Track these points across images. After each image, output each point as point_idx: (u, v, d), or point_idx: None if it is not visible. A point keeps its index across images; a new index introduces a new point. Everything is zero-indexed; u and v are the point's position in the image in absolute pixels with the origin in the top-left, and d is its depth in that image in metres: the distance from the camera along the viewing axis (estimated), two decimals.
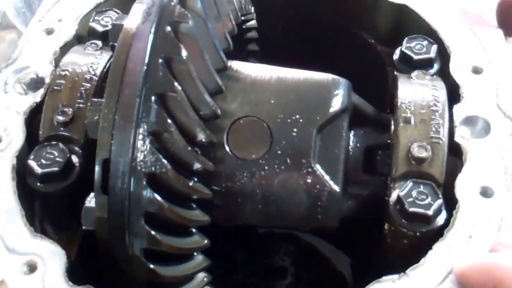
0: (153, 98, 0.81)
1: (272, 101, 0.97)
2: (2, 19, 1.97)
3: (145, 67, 0.81)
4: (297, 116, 0.95)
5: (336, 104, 0.97)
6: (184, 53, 0.84)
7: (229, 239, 1.16)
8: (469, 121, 0.97)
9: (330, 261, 1.29)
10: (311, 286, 1.24)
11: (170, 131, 0.82)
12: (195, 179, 0.88)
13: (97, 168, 0.82)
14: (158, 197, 0.82)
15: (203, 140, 0.88)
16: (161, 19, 0.85)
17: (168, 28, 0.85)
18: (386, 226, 0.93)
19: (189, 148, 0.85)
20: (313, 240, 1.30)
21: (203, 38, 0.89)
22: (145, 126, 0.80)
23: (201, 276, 0.93)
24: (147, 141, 0.80)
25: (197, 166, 0.87)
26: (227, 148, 0.94)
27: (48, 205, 0.99)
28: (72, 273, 0.87)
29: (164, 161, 0.81)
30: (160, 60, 0.82)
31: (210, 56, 0.91)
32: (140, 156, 0.80)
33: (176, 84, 0.82)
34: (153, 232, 0.82)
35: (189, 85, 0.85)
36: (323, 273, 1.27)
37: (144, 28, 0.85)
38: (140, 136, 0.80)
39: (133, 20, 0.88)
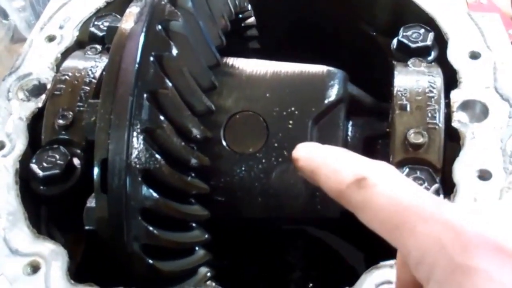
0: (145, 95, 0.81)
1: (268, 95, 0.97)
2: (14, 32, 2.01)
3: (137, 66, 0.82)
4: (293, 109, 0.95)
5: (331, 95, 0.97)
6: (174, 51, 0.84)
7: (236, 237, 1.16)
8: (467, 105, 0.97)
9: (340, 255, 1.28)
10: (320, 281, 1.23)
11: (162, 127, 0.82)
12: (193, 175, 0.89)
13: (96, 168, 0.82)
14: (153, 193, 0.82)
15: (198, 136, 0.88)
16: (152, 19, 0.86)
17: (159, 27, 0.86)
18: None
19: (183, 144, 0.85)
20: (322, 234, 1.29)
21: (195, 35, 0.90)
22: (139, 124, 0.81)
23: (204, 270, 0.92)
24: (141, 138, 0.81)
25: (193, 161, 0.87)
26: (224, 143, 0.95)
27: (52, 208, 1.00)
28: (75, 272, 0.88)
29: (158, 157, 0.81)
30: (151, 58, 0.83)
31: (202, 53, 0.91)
32: (134, 153, 0.80)
33: (167, 80, 0.83)
34: (150, 228, 0.82)
35: (180, 81, 0.85)
36: (332, 268, 1.26)
37: (136, 28, 0.86)
38: (134, 134, 0.80)
39: (126, 22, 0.89)
